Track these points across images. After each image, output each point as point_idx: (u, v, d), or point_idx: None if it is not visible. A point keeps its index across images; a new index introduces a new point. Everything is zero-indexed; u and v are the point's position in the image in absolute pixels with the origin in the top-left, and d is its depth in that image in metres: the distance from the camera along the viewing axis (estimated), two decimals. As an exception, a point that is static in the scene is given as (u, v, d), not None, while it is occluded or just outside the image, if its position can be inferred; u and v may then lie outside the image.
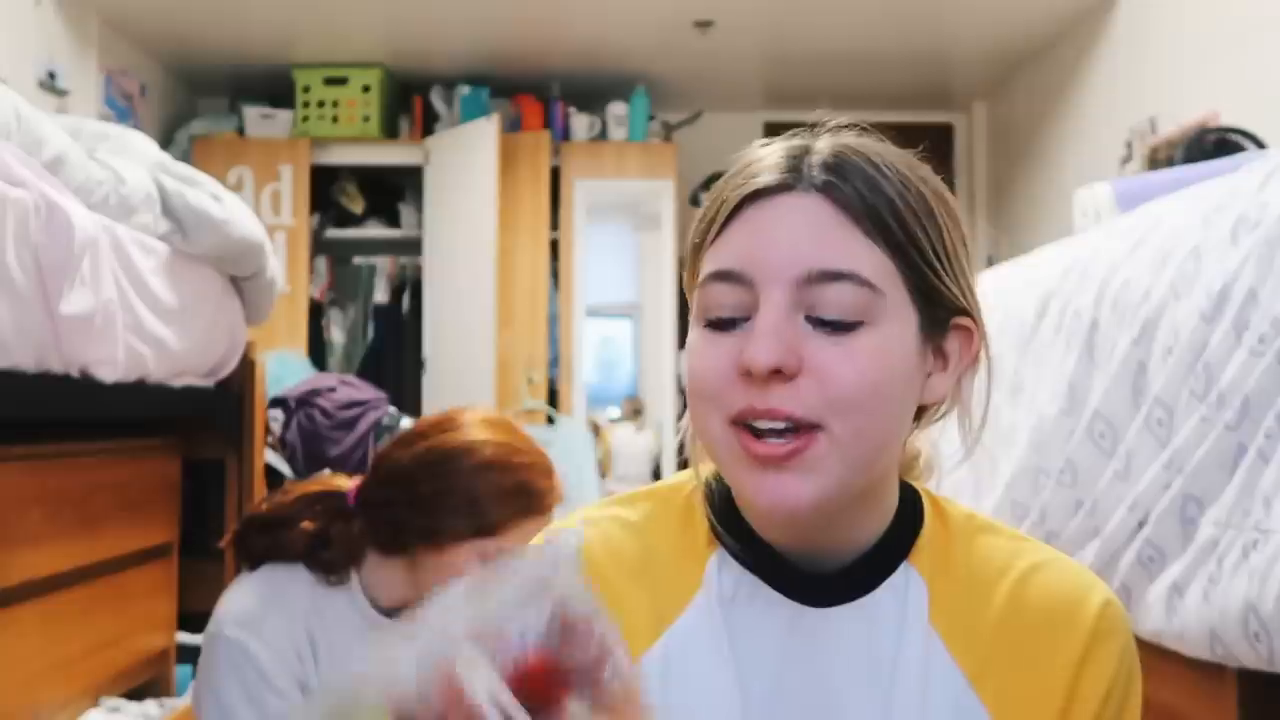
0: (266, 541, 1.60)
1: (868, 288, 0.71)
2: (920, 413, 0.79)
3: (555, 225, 4.60)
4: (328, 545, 1.57)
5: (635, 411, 4.61)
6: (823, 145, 0.76)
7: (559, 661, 0.56)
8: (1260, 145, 2.39)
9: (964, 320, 0.77)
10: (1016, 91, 4.75)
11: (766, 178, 0.74)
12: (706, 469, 0.83)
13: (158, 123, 4.54)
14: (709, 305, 0.75)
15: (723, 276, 0.74)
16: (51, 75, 3.65)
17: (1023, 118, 4.67)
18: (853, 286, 0.71)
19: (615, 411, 4.75)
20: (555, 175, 4.60)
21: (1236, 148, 2.38)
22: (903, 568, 0.78)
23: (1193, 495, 1.31)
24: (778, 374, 0.70)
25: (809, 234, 0.72)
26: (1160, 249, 1.50)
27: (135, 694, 2.11)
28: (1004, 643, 0.77)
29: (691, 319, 0.77)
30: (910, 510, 0.81)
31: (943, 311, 0.75)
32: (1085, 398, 1.61)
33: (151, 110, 4.49)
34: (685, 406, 0.80)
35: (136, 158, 1.96)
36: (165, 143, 4.39)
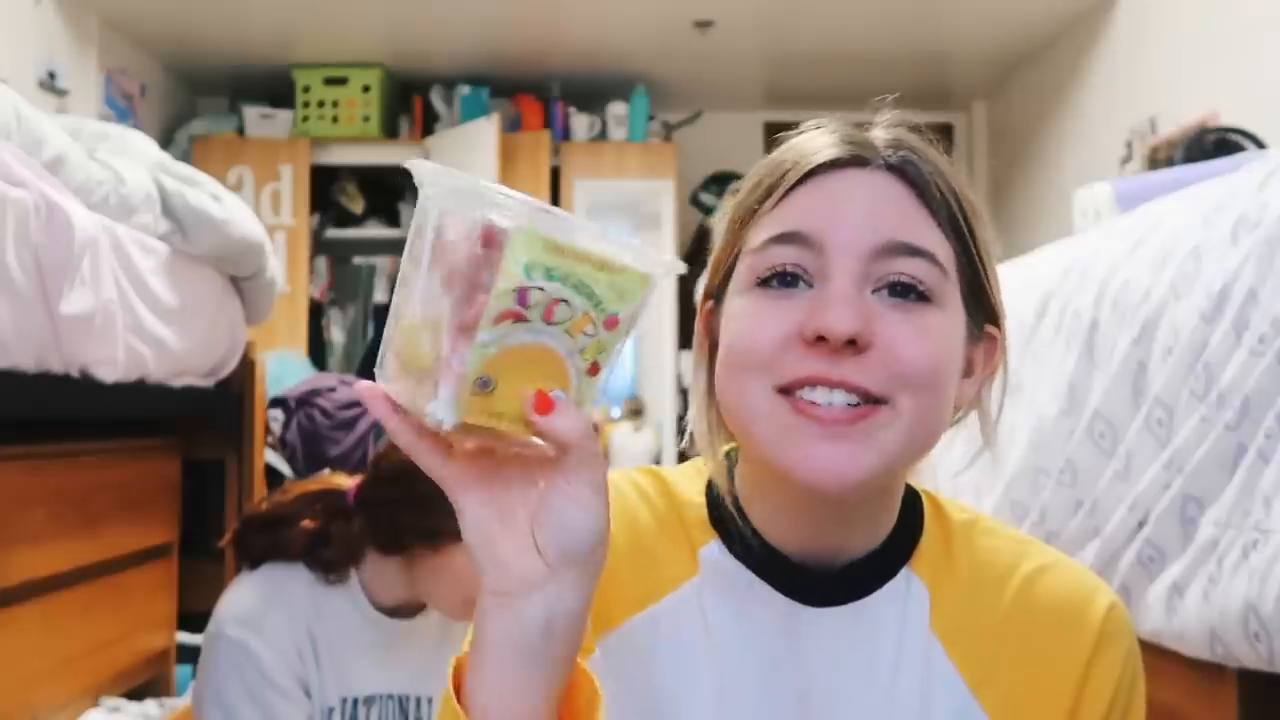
0: (267, 541, 1.60)
1: (939, 268, 0.70)
2: None
3: (555, 225, 4.60)
4: (327, 544, 1.57)
5: (635, 411, 4.61)
6: (880, 125, 0.75)
7: None
8: (1260, 145, 2.39)
9: (993, 330, 0.76)
10: (1016, 91, 4.75)
11: (837, 150, 0.72)
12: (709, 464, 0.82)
13: (158, 123, 4.54)
14: (767, 264, 0.71)
15: (789, 238, 0.70)
16: (51, 75, 3.65)
17: (1022, 118, 4.67)
18: (927, 264, 0.70)
19: (615, 411, 4.74)
20: (555, 175, 4.60)
21: (1236, 148, 2.38)
22: (904, 573, 0.77)
23: (1193, 495, 1.31)
24: (850, 344, 0.67)
25: (884, 207, 0.70)
26: (1160, 249, 1.50)
27: (135, 694, 2.11)
28: (1007, 648, 0.75)
29: (735, 285, 0.74)
30: (911, 513, 0.79)
31: (980, 315, 0.75)
32: (1085, 398, 1.61)
33: (151, 110, 4.49)
34: (686, 407, 0.79)
35: (136, 158, 1.96)
36: (165, 143, 4.39)
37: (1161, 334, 1.44)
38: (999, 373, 0.78)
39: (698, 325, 0.80)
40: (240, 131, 4.62)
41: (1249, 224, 1.30)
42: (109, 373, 1.71)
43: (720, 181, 4.83)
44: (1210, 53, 3.18)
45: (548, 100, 4.64)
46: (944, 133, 5.24)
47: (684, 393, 4.70)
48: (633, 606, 0.77)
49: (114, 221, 1.77)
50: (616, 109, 4.58)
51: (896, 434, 0.68)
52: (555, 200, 4.58)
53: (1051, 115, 4.37)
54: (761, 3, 3.99)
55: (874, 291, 0.69)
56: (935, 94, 5.02)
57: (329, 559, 1.57)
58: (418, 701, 1.61)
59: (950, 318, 0.71)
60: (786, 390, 0.69)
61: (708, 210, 4.81)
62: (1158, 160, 3.28)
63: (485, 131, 4.34)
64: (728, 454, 0.81)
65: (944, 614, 0.76)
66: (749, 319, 0.71)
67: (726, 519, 0.78)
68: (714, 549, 0.78)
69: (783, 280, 0.70)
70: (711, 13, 4.04)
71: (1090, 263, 1.72)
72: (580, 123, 4.62)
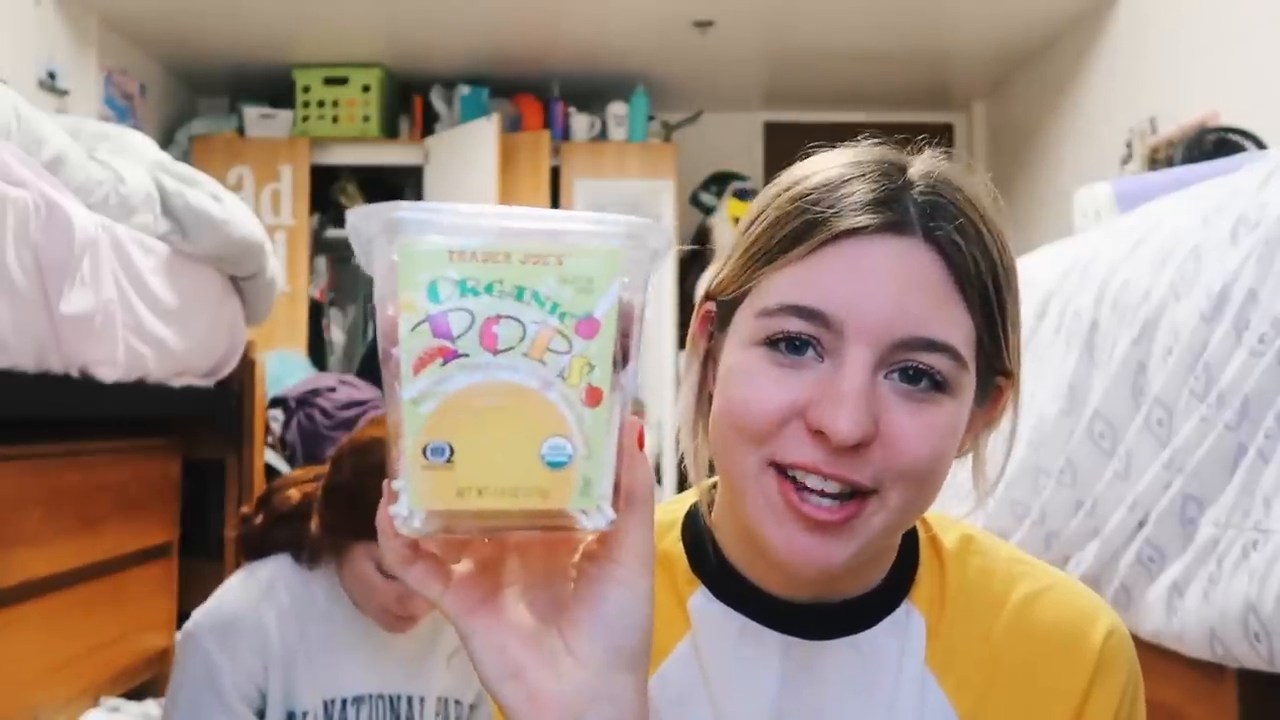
0: (268, 534, 1.62)
1: (959, 362, 0.66)
2: None
3: (555, 225, 4.60)
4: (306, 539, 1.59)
5: (635, 413, 4.60)
6: (918, 173, 0.69)
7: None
8: (1260, 145, 2.39)
9: (1003, 381, 0.73)
10: (1016, 91, 4.75)
11: (867, 217, 0.66)
12: (686, 502, 0.79)
13: (158, 123, 4.54)
14: (778, 328, 0.66)
15: (806, 314, 0.66)
16: (51, 75, 3.65)
17: (1022, 118, 4.67)
18: (947, 359, 0.66)
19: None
20: (555, 175, 4.60)
21: (1236, 148, 2.38)
22: (904, 606, 0.75)
23: (1193, 495, 1.31)
24: (854, 447, 0.64)
25: (912, 293, 0.65)
26: (1160, 249, 1.50)
27: (135, 694, 2.11)
28: (1000, 677, 0.73)
29: (743, 330, 0.69)
30: (910, 545, 0.77)
31: (992, 376, 0.71)
32: (1085, 398, 1.61)
33: (151, 110, 4.48)
34: (692, 411, 0.75)
35: (136, 158, 1.96)
36: (165, 143, 4.39)
37: (1161, 334, 1.44)
38: (1006, 417, 0.75)
39: (694, 325, 0.76)
40: (240, 131, 4.62)
41: (1249, 224, 1.30)
42: (109, 373, 1.71)
43: (720, 181, 4.83)
44: (1210, 53, 3.18)
45: (548, 100, 4.64)
46: (944, 133, 5.23)
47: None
48: None
49: (114, 221, 1.77)
50: (616, 109, 4.58)
51: (881, 522, 0.66)
52: (555, 201, 4.58)
53: (1051, 115, 4.37)
54: (761, 3, 3.99)
55: (887, 375, 0.66)
56: (935, 94, 5.02)
57: (309, 552, 1.59)
58: (409, 701, 1.60)
59: (960, 405, 0.68)
60: (778, 466, 0.66)
61: (708, 210, 4.81)
62: (1158, 160, 3.28)
63: (485, 132, 4.34)
64: (712, 487, 0.78)
65: (940, 646, 0.74)
66: (750, 385, 0.67)
67: (708, 564, 0.75)
68: (700, 599, 0.75)
69: (791, 347, 0.66)
70: (711, 13, 4.04)
71: (1090, 263, 1.72)
72: (580, 123, 4.62)
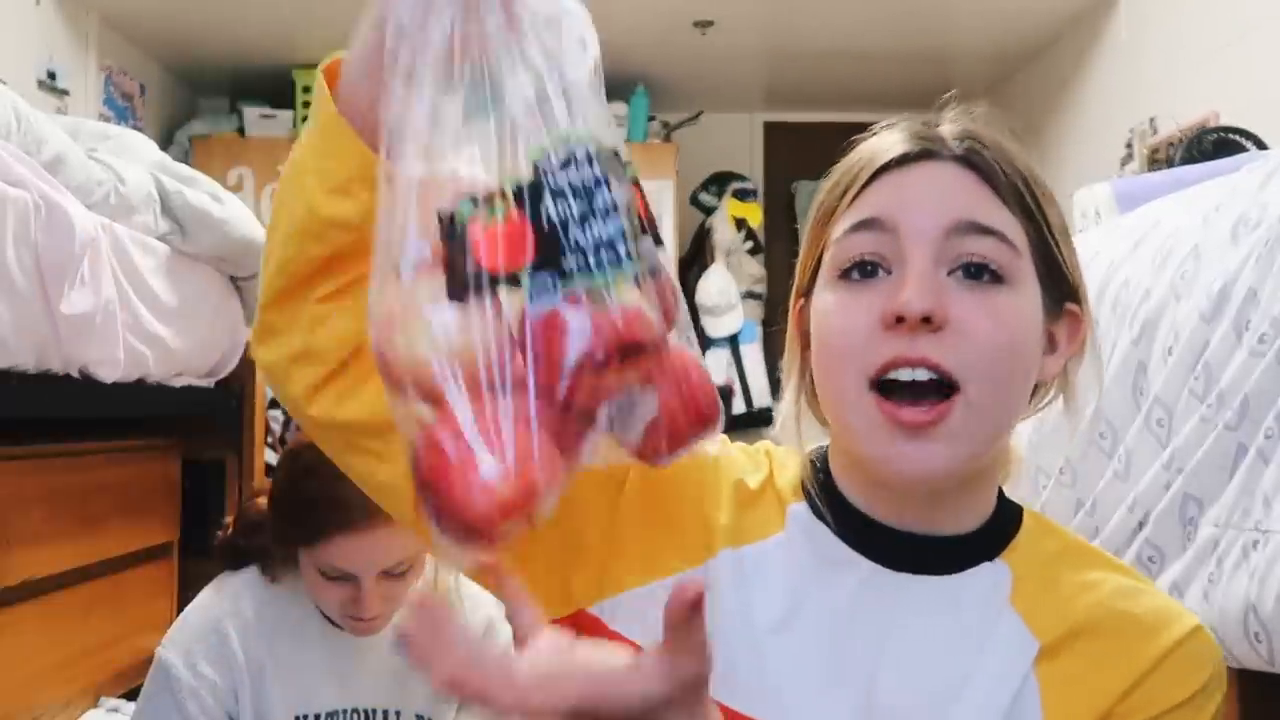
0: (238, 543, 1.60)
1: (1010, 247, 0.73)
2: (1031, 394, 0.79)
3: (555, 225, 4.60)
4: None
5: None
6: (948, 123, 0.78)
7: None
8: (1260, 145, 2.38)
9: (1074, 306, 0.78)
10: (1016, 92, 4.75)
11: (906, 145, 0.76)
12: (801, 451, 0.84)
13: (158, 123, 4.53)
14: (848, 255, 0.75)
15: (866, 225, 0.74)
16: (51, 75, 3.64)
17: (1023, 118, 4.67)
18: (997, 242, 0.72)
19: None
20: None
21: (1237, 148, 2.38)
22: (995, 561, 0.78)
23: (1193, 495, 1.31)
24: (926, 322, 0.70)
25: (954, 192, 0.74)
26: (1160, 249, 1.50)
27: (135, 694, 2.11)
28: (1080, 639, 0.75)
29: (821, 281, 0.77)
30: (1007, 516, 0.80)
31: (1058, 292, 0.77)
32: (1085, 397, 1.61)
33: (151, 110, 4.48)
34: (794, 404, 0.81)
35: (136, 158, 1.97)
36: (165, 143, 4.39)
37: (1161, 334, 1.44)
38: (1088, 351, 0.79)
39: (790, 324, 0.83)
40: (240, 132, 4.62)
41: (1249, 224, 1.30)
42: (109, 373, 1.71)
43: (720, 181, 4.83)
44: (1210, 53, 3.18)
45: (548, 100, 4.64)
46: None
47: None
48: (724, 539, 0.78)
49: (114, 221, 1.77)
50: (616, 109, 4.58)
51: (971, 426, 0.71)
52: (555, 200, 4.57)
53: (1051, 115, 4.37)
54: (761, 3, 3.99)
55: (949, 274, 0.72)
56: (935, 94, 4.97)
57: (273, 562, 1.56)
58: (385, 715, 1.56)
59: (1025, 297, 0.74)
60: (876, 384, 0.72)
61: (708, 210, 4.81)
62: (1158, 160, 3.28)
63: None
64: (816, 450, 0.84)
65: (1025, 591, 0.76)
66: (836, 313, 0.75)
67: (817, 487, 0.81)
68: (801, 509, 0.80)
69: (863, 270, 0.74)
70: (711, 13, 4.04)
71: (1090, 263, 1.72)
72: (580, 123, 4.63)
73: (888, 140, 0.78)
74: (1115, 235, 1.72)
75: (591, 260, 0.54)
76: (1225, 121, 2.82)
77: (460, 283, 0.52)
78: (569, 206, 0.54)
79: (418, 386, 0.53)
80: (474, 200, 0.54)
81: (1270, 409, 1.20)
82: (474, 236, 0.53)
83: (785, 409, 0.83)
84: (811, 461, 0.82)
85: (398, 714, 1.57)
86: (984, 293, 0.72)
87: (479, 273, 0.52)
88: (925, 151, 0.76)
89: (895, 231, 0.73)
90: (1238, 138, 2.44)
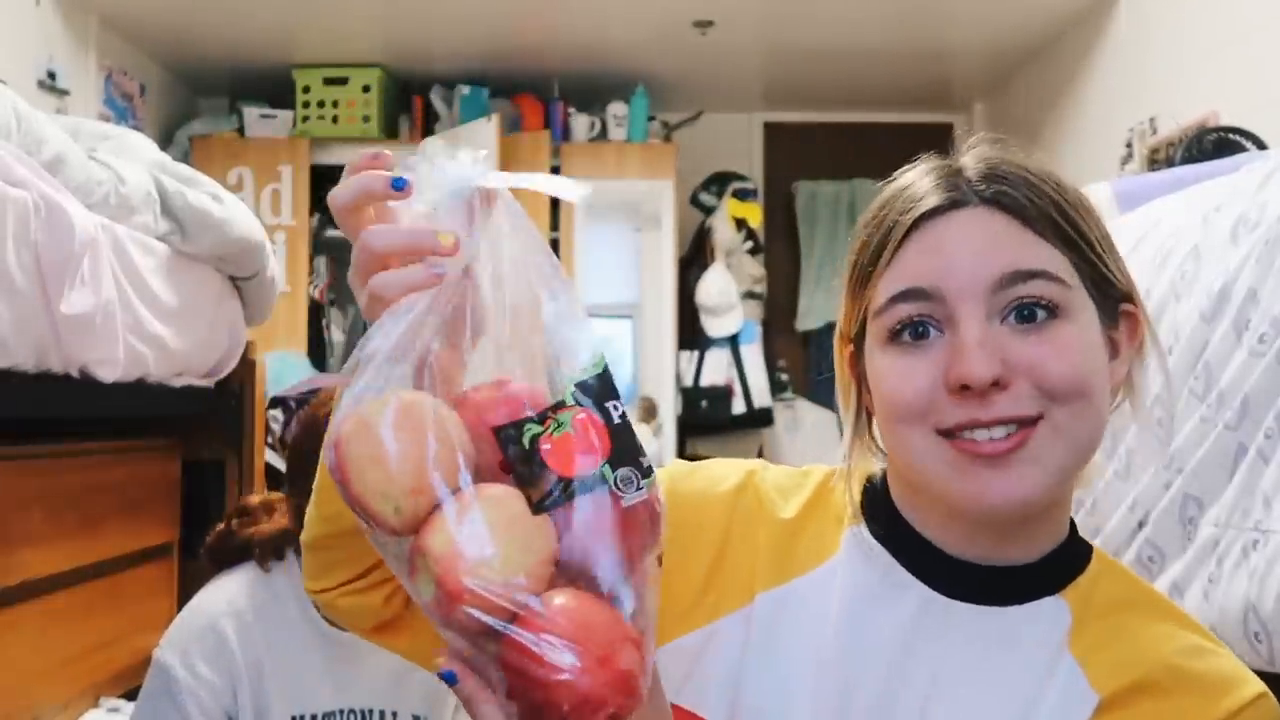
0: (229, 540, 1.61)
1: (1058, 282, 0.72)
2: None
3: (555, 226, 4.60)
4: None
5: (649, 411, 4.55)
6: (970, 161, 0.77)
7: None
8: (1260, 145, 2.38)
9: (1129, 307, 0.78)
10: (1016, 91, 4.75)
11: (933, 199, 0.74)
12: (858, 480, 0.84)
13: (158, 123, 4.54)
14: (895, 321, 0.74)
15: (908, 296, 0.73)
16: (51, 75, 3.65)
17: (1023, 118, 4.67)
18: (1045, 282, 0.72)
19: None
20: (555, 175, 4.60)
21: (1237, 148, 2.38)
22: (1055, 598, 0.76)
23: (1193, 495, 1.31)
24: (994, 385, 0.69)
25: (991, 242, 0.73)
26: (1160, 249, 1.51)
27: (135, 694, 2.11)
28: (1143, 697, 0.73)
29: (871, 340, 0.77)
30: (1075, 550, 0.79)
31: (1111, 300, 0.76)
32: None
33: (151, 110, 4.48)
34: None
35: (136, 158, 1.96)
36: (165, 143, 4.39)
37: (1161, 334, 1.44)
38: (1147, 346, 0.79)
39: (840, 368, 0.83)
40: (240, 131, 4.62)
41: (1249, 224, 1.30)
42: (109, 373, 1.71)
43: (720, 181, 4.83)
44: (1210, 53, 3.18)
45: (548, 100, 4.64)
46: (944, 132, 5.23)
47: (684, 391, 4.69)
48: (767, 579, 0.79)
49: (114, 221, 1.77)
50: (616, 109, 4.58)
51: (1057, 447, 0.71)
52: (555, 200, 4.57)
53: (1051, 115, 4.37)
54: (761, 3, 3.99)
55: (1003, 321, 0.72)
56: (935, 93, 5.01)
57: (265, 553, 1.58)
58: (381, 715, 1.57)
59: (1082, 324, 0.73)
60: (946, 431, 0.72)
61: (708, 210, 4.81)
62: (1158, 160, 3.28)
63: (485, 132, 4.33)
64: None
65: (1085, 636, 0.75)
66: (893, 376, 0.74)
67: (877, 509, 0.80)
68: (858, 531, 0.80)
69: (914, 332, 0.73)
70: (711, 13, 4.04)
71: (1090, 263, 1.72)
72: (580, 123, 4.62)
73: (915, 190, 0.76)
74: (1115, 235, 1.72)
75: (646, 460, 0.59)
76: (1225, 121, 2.82)
77: (542, 496, 0.57)
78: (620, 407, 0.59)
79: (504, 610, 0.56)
80: (539, 418, 0.59)
81: (1270, 409, 1.20)
82: (543, 450, 0.57)
83: (844, 448, 0.82)
84: (869, 485, 0.82)
85: (394, 715, 1.57)
86: (1041, 332, 0.71)
87: (564, 480, 0.57)
88: (952, 202, 0.74)
89: (941, 297, 0.72)
90: (1238, 138, 2.44)
